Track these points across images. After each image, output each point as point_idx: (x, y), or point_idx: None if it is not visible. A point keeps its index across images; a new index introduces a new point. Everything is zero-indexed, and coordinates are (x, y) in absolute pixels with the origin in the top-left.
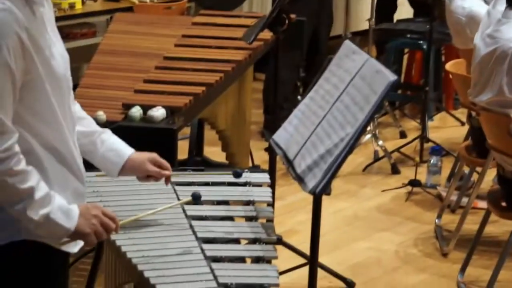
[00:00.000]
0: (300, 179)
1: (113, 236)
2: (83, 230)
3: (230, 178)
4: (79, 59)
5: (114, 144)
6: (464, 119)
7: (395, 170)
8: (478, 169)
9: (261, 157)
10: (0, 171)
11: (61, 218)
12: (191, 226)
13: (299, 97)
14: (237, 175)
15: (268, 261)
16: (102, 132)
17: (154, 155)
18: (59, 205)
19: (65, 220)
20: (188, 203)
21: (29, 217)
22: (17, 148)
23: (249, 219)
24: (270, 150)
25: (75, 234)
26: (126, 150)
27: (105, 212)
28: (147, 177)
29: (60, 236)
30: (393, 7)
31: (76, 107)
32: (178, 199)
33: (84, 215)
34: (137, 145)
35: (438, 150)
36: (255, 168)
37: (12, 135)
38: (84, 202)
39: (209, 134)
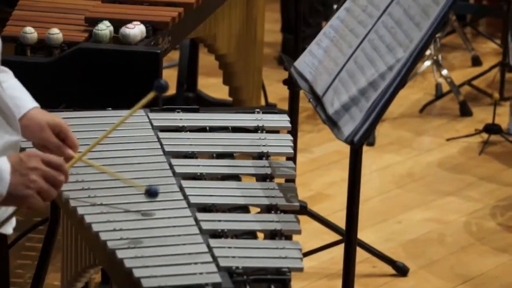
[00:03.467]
0: (332, 123)
1: (73, 202)
2: (20, 192)
3: (234, 120)
4: None
5: (10, 90)
6: None
7: (465, 111)
8: None
9: (278, 92)
10: None
11: None
12: (182, 189)
13: (335, 6)
14: (151, 193)
15: (288, 236)
16: None
17: (60, 122)
18: None
19: None
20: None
21: None
22: None
23: (262, 178)
24: (290, 83)
25: (10, 199)
26: (26, 102)
27: (47, 160)
28: (44, 147)
29: None
30: None
31: None
32: (164, 153)
33: (18, 171)
34: (106, 76)
35: None
36: (270, 108)
37: None
38: None
39: (206, 60)
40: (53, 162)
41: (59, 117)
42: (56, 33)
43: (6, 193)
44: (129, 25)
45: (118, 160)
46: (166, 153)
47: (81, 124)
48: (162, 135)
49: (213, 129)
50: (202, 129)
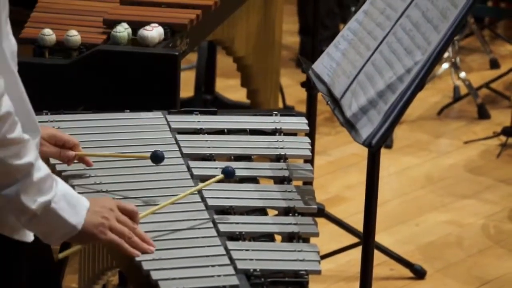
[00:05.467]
0: (350, 126)
1: None
2: (94, 223)
3: (252, 123)
4: None
5: None
6: None
7: (483, 114)
8: None
9: (296, 94)
10: None
11: (65, 210)
12: (199, 191)
13: (353, 9)
14: (157, 158)
15: (305, 239)
16: None
17: (52, 131)
18: (63, 192)
19: (71, 213)
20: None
21: (24, 204)
22: (8, 105)
23: (280, 180)
24: (308, 85)
25: (82, 234)
26: None
27: (122, 206)
28: (47, 159)
29: (61, 234)
30: None
31: None
32: (182, 155)
33: (95, 206)
34: (124, 78)
35: None
36: (288, 110)
37: None
38: None
39: (224, 62)
40: (127, 209)
41: (48, 128)
42: (75, 35)
43: (81, 227)
44: (147, 27)
45: (136, 162)
46: (184, 156)
47: (99, 126)
48: (180, 137)
49: (231, 132)
50: (220, 132)
